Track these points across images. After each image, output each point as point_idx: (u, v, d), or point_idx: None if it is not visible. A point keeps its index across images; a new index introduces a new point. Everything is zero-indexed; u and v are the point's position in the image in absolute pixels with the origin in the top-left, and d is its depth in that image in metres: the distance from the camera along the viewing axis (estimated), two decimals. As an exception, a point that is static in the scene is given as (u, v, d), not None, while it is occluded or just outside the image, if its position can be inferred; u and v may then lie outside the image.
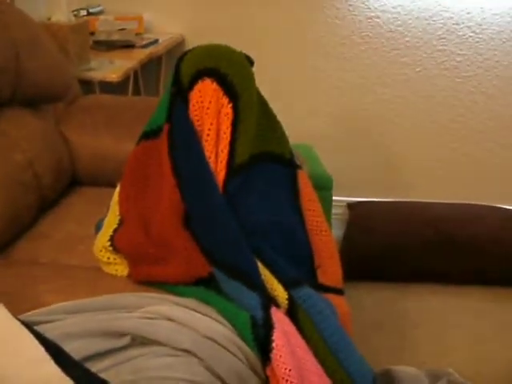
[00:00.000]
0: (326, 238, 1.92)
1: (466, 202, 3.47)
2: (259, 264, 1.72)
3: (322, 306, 1.75)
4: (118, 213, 1.96)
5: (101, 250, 1.96)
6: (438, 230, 3.08)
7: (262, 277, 1.71)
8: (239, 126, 1.77)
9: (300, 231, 1.87)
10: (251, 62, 1.85)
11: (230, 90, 1.76)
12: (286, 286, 1.72)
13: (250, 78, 1.82)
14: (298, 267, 1.81)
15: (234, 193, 1.76)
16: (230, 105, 1.76)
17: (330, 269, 1.91)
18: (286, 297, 1.70)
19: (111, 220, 1.98)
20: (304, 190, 1.91)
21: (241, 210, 1.76)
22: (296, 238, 1.85)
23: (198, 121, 1.76)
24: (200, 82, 1.75)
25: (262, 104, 1.86)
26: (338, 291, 1.92)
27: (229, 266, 1.68)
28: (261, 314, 1.61)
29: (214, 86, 1.75)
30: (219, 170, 1.76)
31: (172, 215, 1.77)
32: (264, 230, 1.79)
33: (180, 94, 1.77)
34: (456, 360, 2.44)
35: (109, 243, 1.94)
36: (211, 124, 1.75)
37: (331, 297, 1.82)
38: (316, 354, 1.67)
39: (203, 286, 1.74)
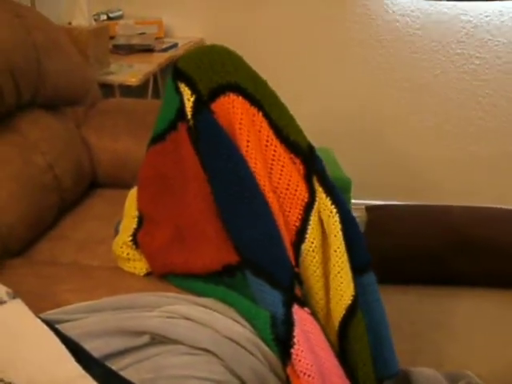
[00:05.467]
0: None
1: (485, 205, 3.46)
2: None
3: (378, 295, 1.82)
4: (135, 214, 1.98)
5: (121, 247, 1.98)
6: (456, 232, 3.08)
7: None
8: (278, 123, 1.80)
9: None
10: None
11: (253, 100, 1.79)
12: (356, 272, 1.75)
13: (258, 79, 1.85)
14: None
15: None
16: (260, 113, 1.79)
17: None
18: (353, 294, 1.72)
19: (128, 221, 2.00)
20: None
21: None
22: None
23: (227, 128, 1.78)
24: (222, 96, 1.78)
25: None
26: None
27: (253, 262, 1.69)
28: (282, 310, 1.62)
29: (241, 99, 1.78)
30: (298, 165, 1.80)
31: (202, 205, 1.78)
32: None
33: (202, 103, 1.78)
34: (475, 363, 2.43)
35: (130, 238, 1.96)
36: (248, 133, 1.77)
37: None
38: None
39: (226, 282, 1.75)
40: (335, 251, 1.73)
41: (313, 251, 1.75)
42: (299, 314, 1.64)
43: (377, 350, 1.78)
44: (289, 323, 1.61)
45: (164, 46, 3.49)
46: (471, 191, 3.71)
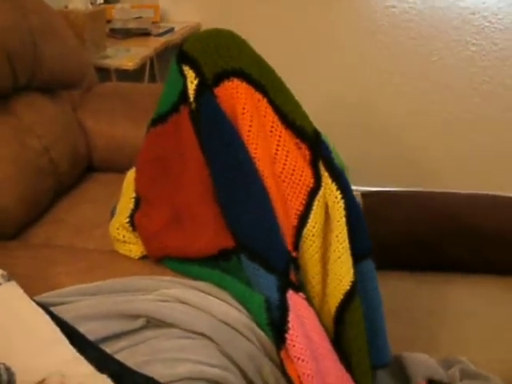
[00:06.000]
0: None
1: (481, 191, 3.46)
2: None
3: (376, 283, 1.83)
4: (132, 195, 1.98)
5: (117, 228, 1.98)
6: (452, 218, 3.08)
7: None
8: (283, 108, 1.80)
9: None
10: None
11: (257, 85, 1.79)
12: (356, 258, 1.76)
13: (263, 64, 1.84)
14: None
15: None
16: (265, 99, 1.79)
17: None
18: (352, 279, 1.72)
19: (126, 202, 2.00)
20: None
21: None
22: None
23: (231, 113, 1.78)
24: (226, 81, 1.77)
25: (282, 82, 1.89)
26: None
27: (249, 247, 1.69)
28: (277, 295, 1.63)
29: (245, 84, 1.78)
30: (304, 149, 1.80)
31: (199, 188, 1.79)
32: None
33: (206, 88, 1.78)
34: (471, 348, 2.44)
35: (127, 220, 1.96)
36: (252, 118, 1.77)
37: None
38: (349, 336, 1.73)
39: (221, 266, 1.75)
40: (337, 236, 1.73)
41: (313, 235, 1.76)
42: (294, 299, 1.64)
43: (371, 338, 1.79)
44: (283, 308, 1.61)
45: (160, 31, 3.48)
46: (467, 178, 3.71)
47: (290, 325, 1.59)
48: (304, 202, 1.77)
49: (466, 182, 3.69)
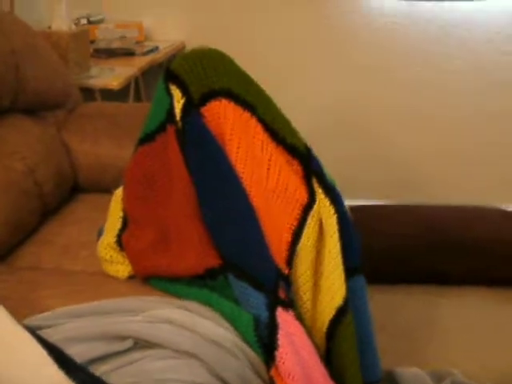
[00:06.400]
0: None
1: (469, 203, 3.48)
2: None
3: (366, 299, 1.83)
4: (120, 214, 1.98)
5: (105, 248, 1.98)
6: (439, 231, 3.08)
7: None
8: (273, 126, 1.80)
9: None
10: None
11: (246, 105, 1.79)
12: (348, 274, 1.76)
13: (251, 83, 1.85)
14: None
15: None
16: (254, 117, 1.79)
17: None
18: (344, 295, 1.72)
19: (113, 221, 2.00)
20: None
21: None
22: None
23: (218, 134, 1.78)
24: (213, 101, 1.78)
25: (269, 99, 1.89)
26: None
27: (236, 266, 1.69)
28: (266, 314, 1.62)
29: (232, 105, 1.78)
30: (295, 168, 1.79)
31: (186, 208, 1.78)
32: None
33: (192, 106, 1.79)
34: (460, 360, 2.44)
35: (115, 239, 1.96)
36: (239, 139, 1.77)
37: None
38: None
39: (209, 285, 1.75)
40: (329, 252, 1.73)
41: (306, 251, 1.75)
42: (283, 316, 1.63)
43: (361, 355, 1.78)
44: (272, 326, 1.61)
45: (145, 50, 3.49)
46: (457, 190, 3.72)
47: (279, 342, 1.58)
48: (298, 216, 1.76)
49: (454, 194, 3.70)
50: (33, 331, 1.37)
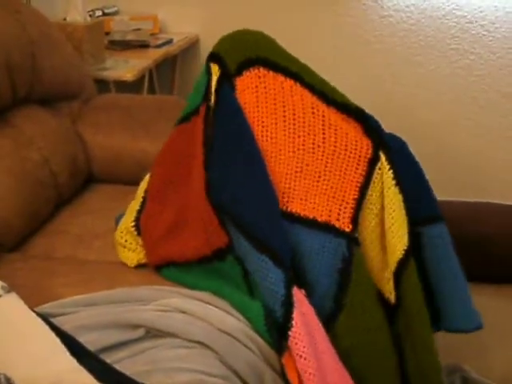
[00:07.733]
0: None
1: (476, 199, 3.47)
2: None
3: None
4: (142, 195, 2.00)
5: (122, 231, 2.00)
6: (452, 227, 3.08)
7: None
8: (322, 89, 1.84)
9: None
10: None
11: (287, 72, 1.82)
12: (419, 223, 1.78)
13: (294, 58, 1.90)
14: None
15: None
16: (298, 83, 1.81)
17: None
18: (404, 248, 1.72)
19: (135, 203, 2.03)
20: None
21: None
22: None
23: (254, 103, 1.80)
24: (252, 69, 1.81)
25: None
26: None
27: (259, 238, 1.66)
28: (283, 291, 1.60)
29: (272, 73, 1.81)
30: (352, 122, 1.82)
31: (198, 188, 1.79)
32: None
33: (226, 78, 1.80)
34: (472, 356, 2.43)
35: (133, 223, 1.98)
36: (284, 106, 1.78)
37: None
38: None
39: (216, 265, 1.76)
40: (388, 204, 1.74)
41: (370, 203, 1.76)
42: (298, 295, 1.63)
43: (448, 304, 1.84)
44: (289, 304, 1.60)
45: (159, 42, 3.49)
46: (464, 186, 3.71)
47: (293, 322, 1.57)
48: (364, 173, 1.76)
49: (463, 190, 3.69)
50: (45, 318, 1.39)
